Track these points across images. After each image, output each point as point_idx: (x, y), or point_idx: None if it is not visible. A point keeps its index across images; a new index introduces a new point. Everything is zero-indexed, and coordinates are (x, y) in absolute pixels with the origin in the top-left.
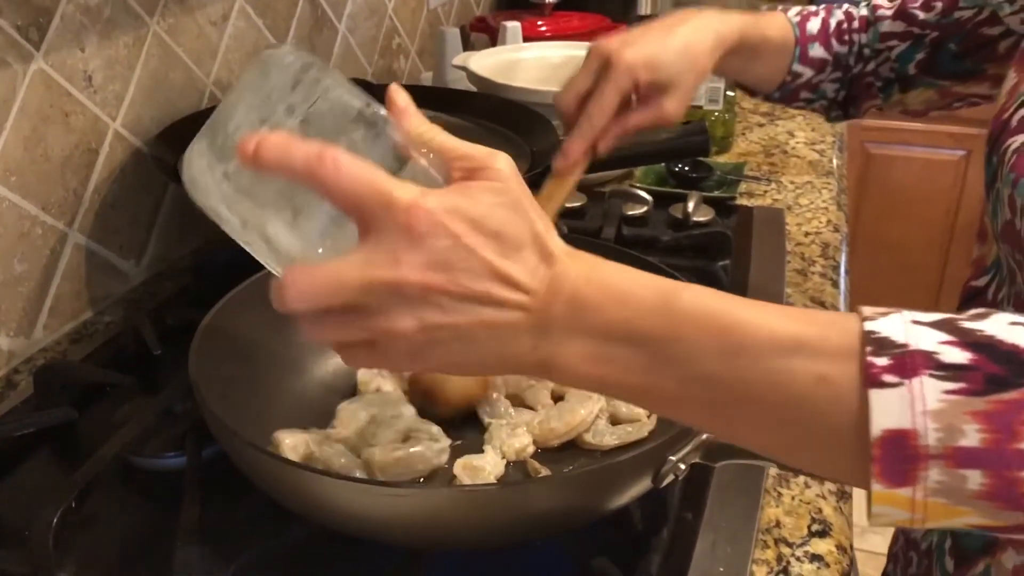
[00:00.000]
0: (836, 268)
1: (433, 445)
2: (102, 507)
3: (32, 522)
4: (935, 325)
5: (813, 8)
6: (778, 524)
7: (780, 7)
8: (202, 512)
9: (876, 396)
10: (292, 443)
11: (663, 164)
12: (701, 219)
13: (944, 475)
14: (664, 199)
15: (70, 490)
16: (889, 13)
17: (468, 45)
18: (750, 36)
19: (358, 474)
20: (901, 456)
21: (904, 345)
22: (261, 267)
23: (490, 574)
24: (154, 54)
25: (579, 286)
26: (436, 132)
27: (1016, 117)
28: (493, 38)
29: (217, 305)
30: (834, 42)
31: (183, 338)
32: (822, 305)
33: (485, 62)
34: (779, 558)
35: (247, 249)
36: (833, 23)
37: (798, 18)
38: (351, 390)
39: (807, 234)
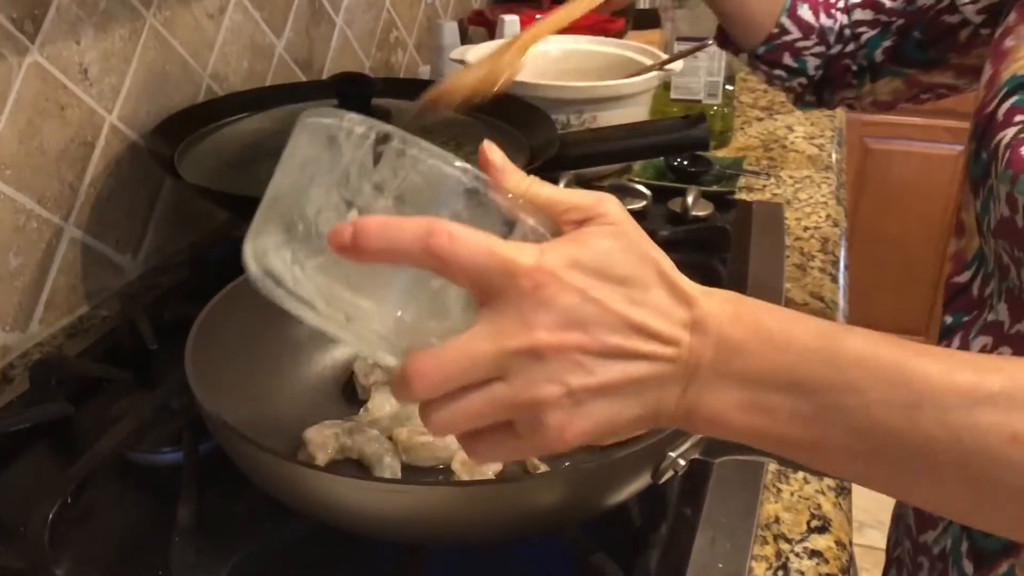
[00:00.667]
0: (835, 263)
1: None
2: (98, 502)
3: (28, 518)
4: None
5: None
6: (777, 520)
7: None
8: (199, 508)
9: None
10: (321, 440)
11: (662, 159)
12: (700, 214)
13: None
14: (663, 193)
15: (66, 485)
16: (859, 0)
17: (466, 39)
18: None
19: (388, 460)
20: None
21: None
22: None
23: (489, 570)
24: (150, 47)
25: (726, 328)
26: (539, 186)
27: (1002, 110)
28: (491, 32)
29: (213, 300)
30: (821, 13)
31: (180, 333)
32: (821, 300)
33: (483, 55)
34: (778, 554)
35: (343, 338)
36: None
37: None
38: (348, 384)
39: (806, 229)
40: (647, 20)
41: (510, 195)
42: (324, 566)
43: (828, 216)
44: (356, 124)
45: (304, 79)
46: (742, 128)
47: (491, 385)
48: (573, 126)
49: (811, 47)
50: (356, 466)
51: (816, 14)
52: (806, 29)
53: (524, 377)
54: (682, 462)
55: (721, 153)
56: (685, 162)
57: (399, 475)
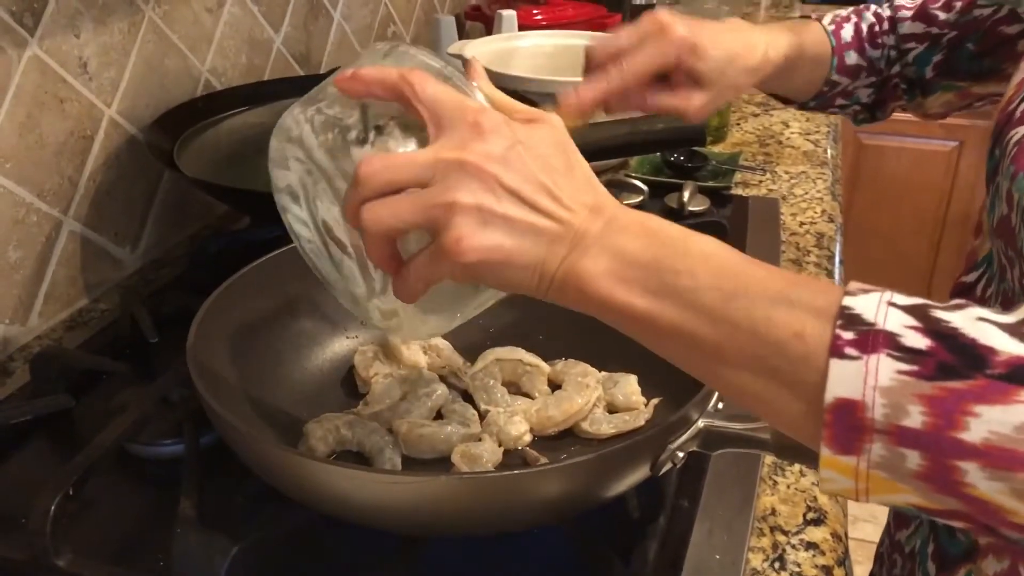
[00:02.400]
0: (831, 258)
1: (460, 429)
2: (99, 494)
3: (30, 509)
4: (908, 310)
5: (844, 13)
6: (774, 512)
7: (813, 15)
8: (200, 499)
9: (835, 365)
10: (322, 432)
11: (658, 154)
12: (696, 209)
13: (886, 450)
14: (659, 189)
15: (67, 477)
16: (909, 14)
17: (463, 33)
18: (791, 58)
19: (388, 452)
20: (849, 425)
21: (872, 324)
22: (255, 255)
23: (488, 560)
24: (149, 40)
25: (618, 215)
26: (502, 95)
27: (1020, 109)
28: (488, 26)
29: (214, 294)
30: (867, 47)
31: (179, 325)
32: None
33: (481, 50)
34: (775, 546)
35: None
36: (865, 28)
37: (832, 26)
38: (348, 377)
39: (802, 224)
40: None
41: (476, 88)
42: (324, 556)
43: (824, 212)
44: (378, 45)
45: (302, 73)
46: (738, 124)
47: (421, 191)
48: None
49: (862, 83)
50: (356, 458)
51: (862, 52)
52: (855, 72)
53: (447, 183)
54: (680, 454)
55: (717, 148)
56: (682, 157)
57: (399, 467)
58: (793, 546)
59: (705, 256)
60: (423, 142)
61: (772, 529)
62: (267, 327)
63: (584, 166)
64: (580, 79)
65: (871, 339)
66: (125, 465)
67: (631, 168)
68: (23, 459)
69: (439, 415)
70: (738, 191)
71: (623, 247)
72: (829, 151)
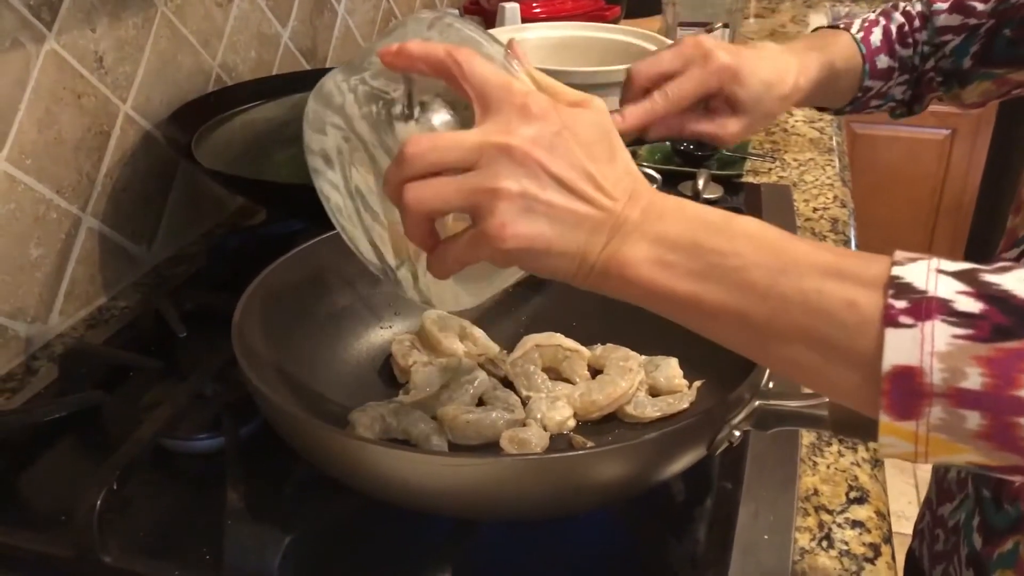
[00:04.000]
0: (847, 243)
1: (505, 415)
2: (137, 490)
3: (73, 506)
4: (957, 275)
5: (872, 16)
6: (816, 492)
7: (842, 23)
8: (247, 490)
9: (891, 334)
10: (368, 421)
11: (668, 142)
12: (711, 197)
13: (946, 413)
14: (671, 177)
15: (111, 473)
16: (945, 7)
17: None
18: (823, 79)
19: (435, 439)
20: (908, 391)
21: (923, 292)
22: (273, 251)
23: (541, 544)
24: (163, 35)
25: (655, 200)
26: (547, 77)
27: None
28: (488, 20)
29: (252, 284)
30: (898, 48)
31: (202, 321)
32: None
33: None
34: (820, 525)
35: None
36: (894, 29)
37: (861, 33)
38: (385, 366)
39: (815, 210)
40: (644, 7)
41: (520, 68)
42: (376, 543)
43: (835, 197)
44: (423, 12)
45: (308, 68)
46: None
47: (466, 174)
48: None
49: (895, 82)
50: (402, 446)
51: (892, 54)
52: (887, 75)
53: (492, 168)
54: (737, 433)
55: None
56: (691, 146)
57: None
58: (839, 525)
59: (748, 235)
60: (467, 121)
61: (816, 509)
62: (304, 317)
63: (625, 153)
64: (587, 69)
65: (924, 306)
66: (161, 461)
67: (642, 157)
68: (56, 457)
69: (480, 402)
70: (749, 179)
71: (664, 232)
72: (835, 138)
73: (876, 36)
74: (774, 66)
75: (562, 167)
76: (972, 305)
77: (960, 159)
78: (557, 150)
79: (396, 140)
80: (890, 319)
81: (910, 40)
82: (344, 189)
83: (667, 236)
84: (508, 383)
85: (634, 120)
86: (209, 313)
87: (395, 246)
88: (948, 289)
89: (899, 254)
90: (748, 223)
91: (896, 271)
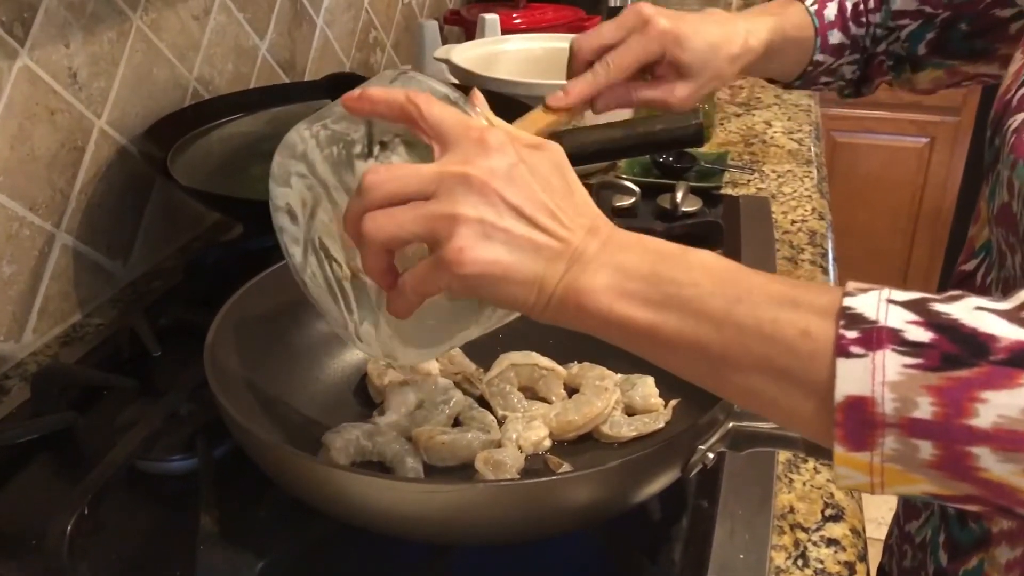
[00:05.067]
0: (825, 255)
1: (481, 436)
2: (110, 513)
3: (44, 530)
4: (907, 305)
5: None
6: (792, 510)
7: None
8: (221, 514)
9: (843, 365)
10: (342, 443)
11: (648, 156)
12: (689, 209)
13: (899, 443)
14: (650, 190)
15: (82, 497)
16: None
17: (443, 38)
18: (774, 42)
19: (410, 461)
20: (860, 421)
21: (874, 321)
22: (251, 266)
23: (515, 567)
24: (138, 49)
25: (615, 234)
26: (504, 123)
27: (1018, 96)
28: (468, 31)
29: (225, 305)
30: (851, 25)
31: (177, 338)
32: None
33: (466, 54)
34: (796, 543)
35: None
36: (849, 6)
37: (815, 6)
38: (361, 386)
39: (793, 222)
40: None
41: (480, 114)
42: (351, 568)
43: (813, 209)
44: (390, 71)
45: (287, 80)
46: (721, 124)
47: (424, 203)
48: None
49: (846, 60)
50: (377, 468)
51: (846, 31)
52: (838, 51)
53: (450, 196)
54: (711, 455)
55: (703, 148)
56: (670, 158)
57: (422, 475)
58: (814, 543)
59: (705, 266)
60: (426, 160)
61: (792, 527)
62: (278, 338)
63: (582, 190)
64: (566, 80)
65: (875, 336)
66: (135, 482)
67: (621, 170)
68: (28, 479)
69: (456, 422)
70: (727, 191)
71: (623, 262)
72: (813, 149)
73: (831, 11)
74: (720, 29)
75: (519, 197)
76: (922, 334)
77: (939, 167)
78: (514, 181)
79: (356, 178)
80: (841, 349)
81: (863, 20)
82: (307, 243)
83: (625, 266)
84: (485, 402)
85: (578, 94)
86: (185, 329)
87: (357, 295)
88: (898, 319)
89: (851, 285)
90: (705, 255)
91: (847, 301)
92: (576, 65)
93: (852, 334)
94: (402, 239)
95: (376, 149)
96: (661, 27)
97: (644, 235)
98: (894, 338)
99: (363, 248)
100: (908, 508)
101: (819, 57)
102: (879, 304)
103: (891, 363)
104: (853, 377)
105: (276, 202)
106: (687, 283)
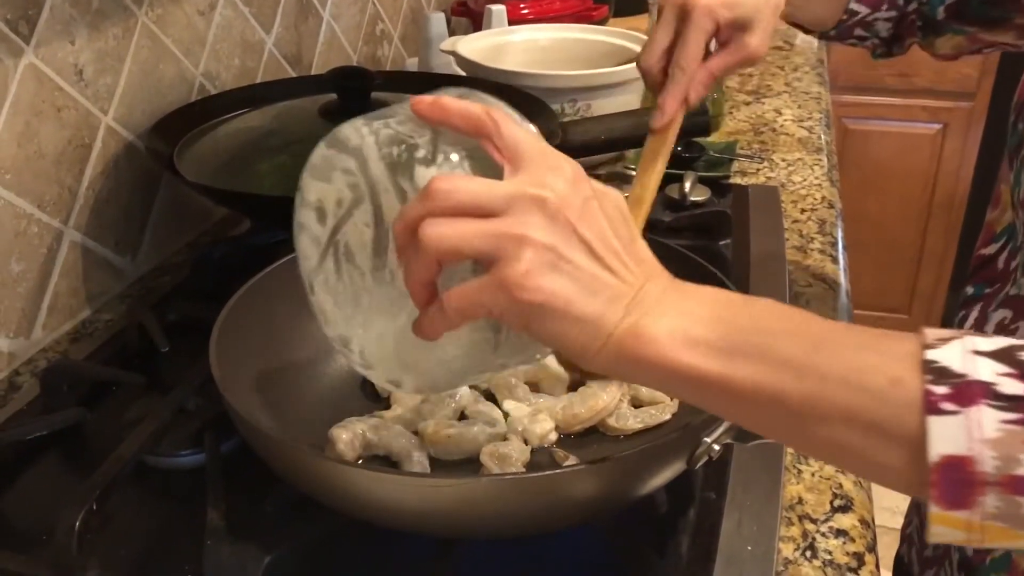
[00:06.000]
0: (834, 244)
1: (487, 429)
2: (118, 508)
3: (52, 525)
4: (995, 355)
5: None
6: (800, 501)
7: None
8: (228, 509)
9: (935, 423)
10: (348, 437)
11: None
12: (698, 199)
13: (1002, 501)
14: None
15: (91, 491)
16: None
17: (449, 30)
18: None
19: (416, 455)
20: (958, 481)
21: (963, 375)
22: (258, 261)
23: (523, 561)
24: (144, 45)
25: (675, 282)
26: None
27: None
28: (475, 22)
29: (231, 300)
30: None
31: (186, 333)
32: (823, 281)
33: (474, 46)
34: (804, 534)
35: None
36: None
37: None
38: (367, 380)
39: (803, 211)
40: (631, 6)
41: None
42: (358, 562)
43: (823, 198)
44: (454, 89)
45: (294, 74)
46: (731, 113)
47: (493, 219)
48: (568, 115)
49: (882, 15)
50: (384, 462)
51: None
52: (875, 3)
53: (523, 217)
54: (716, 447)
55: (712, 138)
56: (679, 148)
57: (428, 470)
58: (823, 534)
59: (773, 312)
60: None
61: (800, 518)
62: (285, 332)
63: (643, 242)
64: (577, 72)
65: (966, 391)
66: (144, 477)
67: (629, 160)
68: (38, 475)
69: (462, 416)
70: (736, 180)
71: (685, 307)
72: (823, 137)
73: None
74: None
75: (590, 233)
76: (1017, 387)
77: (952, 153)
78: (587, 217)
79: (414, 184)
80: (931, 406)
81: None
82: (328, 248)
83: (689, 311)
84: (491, 395)
85: (673, 103)
86: (194, 324)
87: (374, 309)
88: (988, 371)
89: (929, 333)
90: (769, 301)
91: (930, 354)
92: (652, 81)
93: (941, 390)
94: (462, 252)
95: (440, 158)
96: (703, 3)
97: (704, 285)
98: (987, 392)
99: (414, 256)
100: None
101: (855, 6)
102: (964, 356)
103: (988, 419)
104: (948, 436)
105: (306, 196)
106: (757, 329)
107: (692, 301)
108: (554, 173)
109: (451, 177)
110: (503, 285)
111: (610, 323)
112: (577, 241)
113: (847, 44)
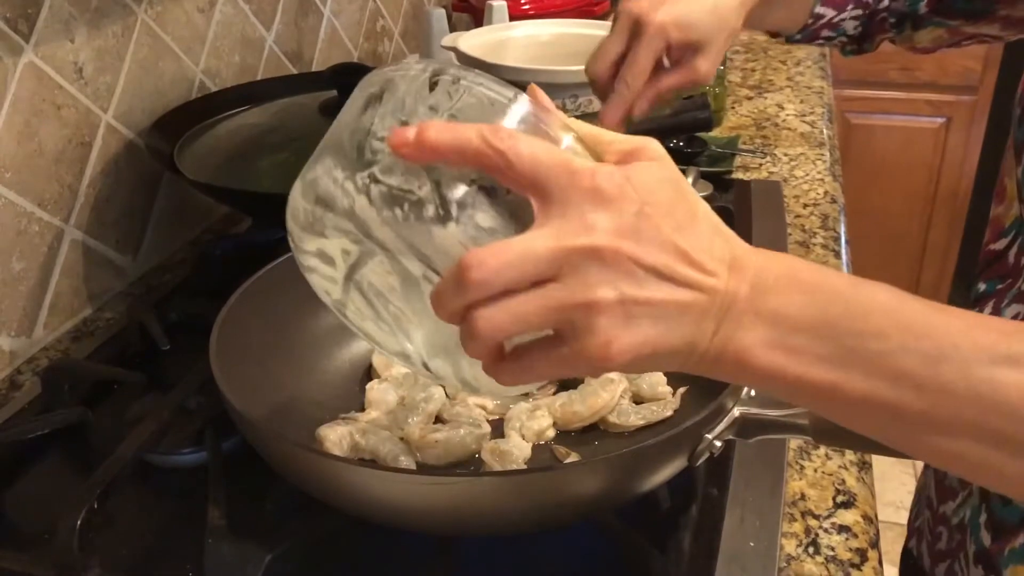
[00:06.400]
0: (837, 239)
1: (474, 431)
2: (120, 506)
3: (54, 524)
4: None
5: None
6: (803, 497)
7: None
8: (228, 508)
9: None
10: (336, 438)
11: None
12: (700, 194)
13: None
14: None
15: (92, 491)
16: None
17: (450, 25)
18: None
19: (403, 459)
20: None
21: None
22: (260, 258)
23: (522, 557)
24: (143, 43)
25: (762, 267)
26: (585, 125)
27: None
28: (476, 18)
29: (231, 299)
30: None
31: (187, 331)
32: None
33: (474, 42)
34: (807, 530)
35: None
36: None
37: None
38: (367, 377)
39: (805, 206)
40: None
41: (557, 123)
42: (359, 561)
43: (826, 193)
44: (412, 65)
45: (294, 71)
46: (733, 107)
47: (547, 286)
48: (569, 111)
49: (848, 15)
50: (370, 466)
51: None
52: (840, 4)
53: (581, 278)
54: (718, 444)
55: (715, 133)
56: (681, 143)
57: None
58: (825, 530)
59: (886, 309)
60: (516, 209)
61: (803, 514)
62: (286, 329)
63: (703, 208)
64: (578, 68)
65: None
66: (145, 476)
67: None
68: (39, 474)
69: (438, 419)
70: (739, 175)
71: (780, 310)
72: (825, 131)
73: None
74: None
75: (655, 254)
76: None
77: (956, 147)
78: (644, 235)
79: (436, 248)
80: None
81: None
82: (349, 285)
83: (786, 314)
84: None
85: (614, 116)
86: (195, 323)
87: (430, 341)
88: None
89: None
90: (880, 292)
91: None
92: (599, 90)
93: None
94: (523, 332)
95: (455, 209)
96: (657, 22)
97: (795, 261)
98: None
99: (469, 339)
100: (942, 489)
101: (820, 9)
102: None
103: None
104: None
105: (302, 245)
106: (869, 333)
107: (786, 295)
108: (593, 200)
109: (481, 256)
110: (585, 358)
111: (703, 341)
112: (645, 273)
113: (815, 44)
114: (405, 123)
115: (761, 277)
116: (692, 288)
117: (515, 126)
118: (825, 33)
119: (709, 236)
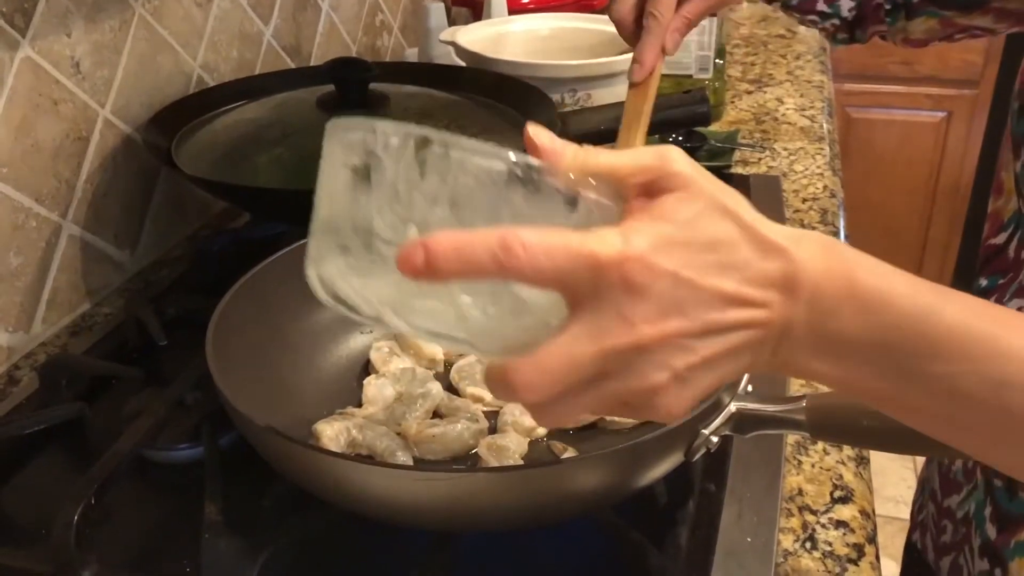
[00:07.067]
0: (836, 234)
1: (471, 426)
2: (117, 502)
3: (51, 520)
4: None
5: None
6: (801, 492)
7: None
8: (225, 503)
9: None
10: (333, 433)
11: (657, 135)
12: None
13: None
14: None
15: (88, 486)
16: None
17: (450, 19)
18: None
19: (400, 455)
20: None
21: None
22: (258, 253)
23: (521, 553)
24: (141, 37)
25: (819, 285)
26: (595, 156)
27: None
28: (476, 11)
29: (228, 294)
30: None
31: (185, 327)
32: None
33: (473, 36)
34: (804, 526)
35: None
36: None
37: None
38: (365, 371)
39: (804, 200)
40: None
41: (566, 173)
42: (355, 557)
43: (825, 187)
44: (391, 134)
45: (293, 66)
46: (732, 102)
47: (599, 383)
48: (568, 105)
49: None
50: (368, 461)
51: None
52: None
53: (631, 371)
54: (715, 439)
55: (714, 127)
56: (680, 138)
57: None
58: (823, 525)
59: (951, 330)
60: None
61: (800, 509)
62: (282, 325)
63: (745, 219)
64: (577, 62)
65: None
66: (142, 471)
67: None
68: (37, 469)
69: (436, 414)
70: (738, 170)
71: (840, 334)
72: (825, 126)
73: None
74: None
75: (702, 315)
76: None
77: (956, 142)
78: (686, 303)
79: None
80: None
81: None
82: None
83: (846, 339)
84: (452, 389)
85: (651, 57)
86: (193, 318)
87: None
88: None
89: None
90: (951, 311)
91: None
92: (626, 32)
93: None
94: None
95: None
96: None
97: (853, 270)
98: None
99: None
100: (946, 482)
101: None
102: None
103: None
104: None
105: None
106: (931, 356)
107: (844, 317)
108: (626, 294)
109: (529, 373)
110: (652, 419)
111: (760, 364)
112: (693, 339)
113: (807, 21)
114: (406, 220)
115: (817, 296)
116: (744, 328)
117: (520, 199)
118: (820, 7)
119: (757, 259)
